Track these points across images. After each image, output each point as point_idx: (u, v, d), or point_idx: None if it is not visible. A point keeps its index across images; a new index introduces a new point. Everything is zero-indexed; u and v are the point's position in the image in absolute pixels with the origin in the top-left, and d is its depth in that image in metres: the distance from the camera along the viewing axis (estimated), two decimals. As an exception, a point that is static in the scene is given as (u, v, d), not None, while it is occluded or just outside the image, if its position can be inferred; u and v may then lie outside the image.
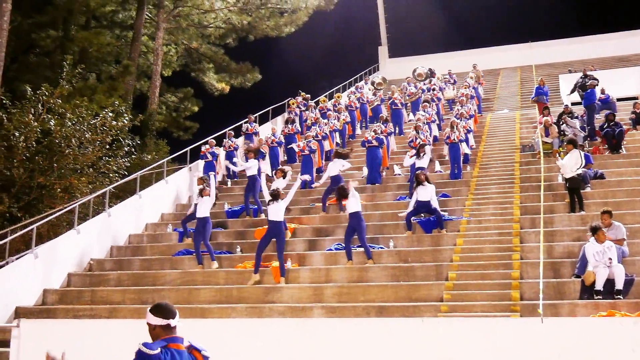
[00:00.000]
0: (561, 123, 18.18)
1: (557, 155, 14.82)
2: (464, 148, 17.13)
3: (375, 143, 17.05)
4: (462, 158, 16.90)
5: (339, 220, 14.90)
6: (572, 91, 22.76)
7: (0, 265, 13.42)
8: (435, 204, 13.60)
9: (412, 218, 13.84)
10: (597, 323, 8.47)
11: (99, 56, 31.26)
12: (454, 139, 16.72)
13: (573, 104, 21.86)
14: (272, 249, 12.84)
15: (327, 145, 19.56)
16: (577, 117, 18.83)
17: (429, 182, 13.73)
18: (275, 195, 12.50)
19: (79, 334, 10.05)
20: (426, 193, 13.52)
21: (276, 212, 12.40)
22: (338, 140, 21.04)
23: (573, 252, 11.58)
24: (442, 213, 14.03)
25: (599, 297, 9.81)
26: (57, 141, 17.94)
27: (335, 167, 15.48)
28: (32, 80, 24.70)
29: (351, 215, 12.59)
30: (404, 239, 13.40)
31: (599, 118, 18.72)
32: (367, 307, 10.81)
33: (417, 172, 14.30)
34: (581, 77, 22.45)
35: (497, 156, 18.33)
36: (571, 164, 13.18)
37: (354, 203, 12.58)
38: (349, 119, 22.06)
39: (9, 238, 14.09)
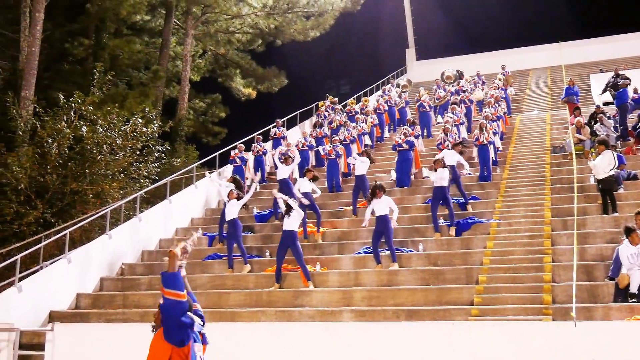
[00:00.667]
0: (593, 123, 17.92)
1: (589, 156, 14.63)
2: (491, 151, 16.97)
3: (405, 146, 17.01)
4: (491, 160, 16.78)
5: (369, 224, 14.87)
6: (604, 91, 22.44)
7: (34, 270, 13.68)
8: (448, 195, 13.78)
9: (442, 221, 13.82)
10: (632, 327, 8.33)
11: (130, 63, 31.66)
12: (483, 141, 16.58)
13: (605, 104, 21.54)
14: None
15: (354, 149, 19.56)
16: (609, 117, 18.54)
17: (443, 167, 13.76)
18: (289, 208, 12.53)
19: (112, 337, 10.19)
20: (440, 179, 13.58)
21: (290, 223, 12.44)
22: (368, 142, 21.03)
23: (606, 254, 11.39)
24: (471, 216, 14.07)
25: (633, 300, 9.65)
26: (89, 147, 18.20)
27: (363, 166, 15.51)
28: (65, 88, 25.08)
29: (379, 218, 12.57)
30: (434, 242, 13.33)
31: (632, 118, 18.40)
32: (397, 311, 10.77)
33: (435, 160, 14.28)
34: (613, 77, 22.13)
35: (527, 158, 18.13)
36: (603, 164, 12.99)
37: (384, 206, 12.56)
38: (376, 122, 22.03)
39: (43, 243, 14.34)
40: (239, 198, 13.81)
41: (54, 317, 12.45)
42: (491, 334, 8.53)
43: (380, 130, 22.57)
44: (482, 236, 13.20)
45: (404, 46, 39.98)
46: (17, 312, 11.84)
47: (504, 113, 21.59)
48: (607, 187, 13.09)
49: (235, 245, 13.61)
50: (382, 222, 12.51)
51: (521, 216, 13.93)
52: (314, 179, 15.16)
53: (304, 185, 14.86)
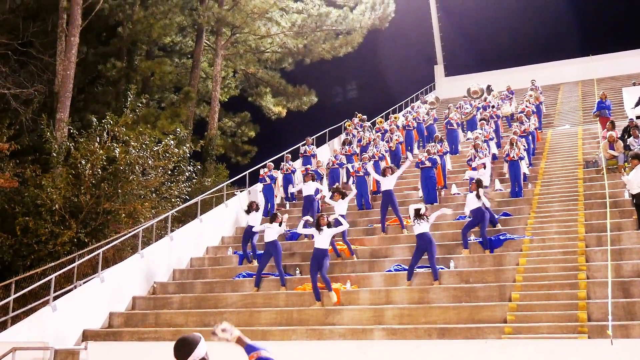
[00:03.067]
0: (626, 137, 17.64)
1: (623, 171, 14.39)
2: (523, 167, 16.81)
3: (428, 164, 16.95)
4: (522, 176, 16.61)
5: (398, 241, 14.82)
6: (637, 104, 22.08)
7: (68, 290, 13.88)
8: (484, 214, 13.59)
9: (473, 238, 13.70)
10: (671, 345, 8.13)
11: (161, 84, 32.19)
12: (514, 157, 16.45)
13: (638, 117, 21.18)
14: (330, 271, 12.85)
15: (383, 165, 19.54)
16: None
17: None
18: (318, 224, 12.59)
19: (144, 356, 10.27)
20: (475, 201, 13.52)
21: (321, 241, 12.47)
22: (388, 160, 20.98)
23: (643, 270, 11.17)
24: (503, 232, 13.95)
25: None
26: (121, 168, 18.49)
27: (390, 182, 15.48)
28: (98, 110, 25.63)
29: (420, 236, 12.50)
30: (465, 259, 13.20)
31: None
32: (428, 329, 10.67)
33: (473, 182, 14.16)
34: (646, 90, 21.78)
35: (559, 173, 17.90)
36: (637, 179, 12.76)
37: (426, 225, 12.50)
38: (401, 139, 21.96)
39: (77, 263, 14.54)
40: (281, 224, 13.96)
41: (88, 335, 12.59)
42: (525, 352, 8.40)
43: (409, 147, 22.51)
44: (514, 253, 13.04)
45: (432, 62, 40.00)
46: (51, 330, 12.01)
47: (536, 128, 21.37)
48: (642, 202, 12.85)
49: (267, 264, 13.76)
50: (424, 240, 12.45)
51: (554, 232, 13.73)
52: (343, 197, 15.14)
53: (339, 207, 14.99)
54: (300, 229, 13.63)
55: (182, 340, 3.78)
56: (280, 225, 13.84)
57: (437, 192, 17.16)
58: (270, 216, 14.34)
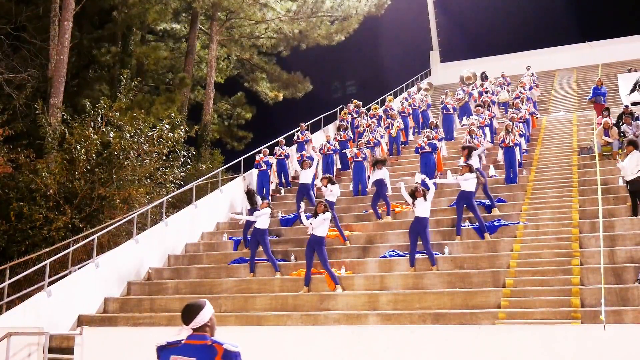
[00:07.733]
0: (621, 124, 17.67)
1: (617, 157, 14.43)
2: (518, 153, 16.82)
3: (428, 149, 16.94)
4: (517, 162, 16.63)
5: (392, 227, 14.85)
6: (632, 91, 22.11)
7: (63, 275, 13.88)
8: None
9: (467, 224, 13.75)
10: (663, 330, 8.17)
11: (155, 69, 31.99)
12: (509, 143, 16.46)
13: (633, 104, 21.22)
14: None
15: (379, 151, 19.54)
16: (637, 118, 18.25)
17: (470, 173, 13.64)
18: (316, 212, 12.51)
19: (139, 341, 10.28)
20: (468, 183, 13.50)
21: (317, 228, 12.43)
22: (384, 146, 20.92)
23: (636, 256, 11.23)
24: (498, 218, 13.99)
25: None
26: (116, 153, 18.40)
27: (381, 172, 15.46)
28: (92, 95, 25.46)
29: (418, 219, 12.47)
30: (460, 245, 13.24)
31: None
32: (423, 315, 10.72)
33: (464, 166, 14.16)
34: (641, 76, 21.78)
35: (554, 159, 17.94)
36: (632, 166, 12.81)
37: (424, 208, 12.48)
38: (402, 126, 21.93)
39: (72, 248, 14.55)
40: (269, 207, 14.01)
41: (83, 321, 12.62)
42: (518, 337, 8.44)
43: (405, 134, 22.50)
44: (508, 239, 13.09)
45: (428, 48, 39.87)
46: (46, 316, 12.03)
47: (531, 114, 21.35)
48: (636, 189, 12.90)
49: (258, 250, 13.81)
50: (420, 223, 12.44)
51: (548, 218, 13.78)
52: (331, 183, 15.03)
53: (329, 194, 14.88)
54: (303, 219, 13.58)
55: (187, 306, 4.07)
56: (269, 207, 13.88)
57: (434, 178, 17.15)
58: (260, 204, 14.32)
